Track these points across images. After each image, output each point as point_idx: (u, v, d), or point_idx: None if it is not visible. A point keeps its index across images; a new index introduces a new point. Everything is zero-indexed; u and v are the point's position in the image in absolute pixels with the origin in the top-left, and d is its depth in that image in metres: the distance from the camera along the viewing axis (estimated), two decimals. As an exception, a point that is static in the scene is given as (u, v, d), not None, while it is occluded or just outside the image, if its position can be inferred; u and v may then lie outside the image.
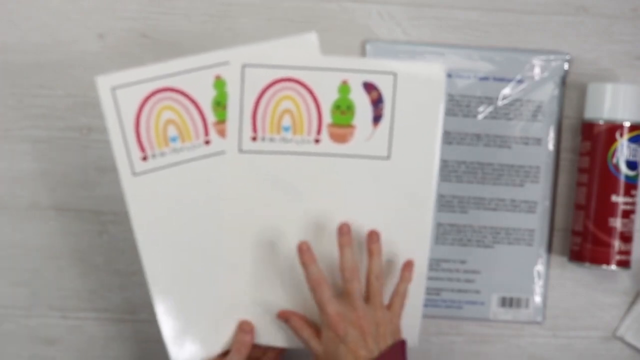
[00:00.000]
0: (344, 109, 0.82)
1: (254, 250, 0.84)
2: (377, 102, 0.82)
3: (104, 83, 0.79)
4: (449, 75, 0.95)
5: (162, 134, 0.80)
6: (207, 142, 0.81)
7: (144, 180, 0.81)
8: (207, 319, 0.85)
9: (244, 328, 0.84)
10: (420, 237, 0.85)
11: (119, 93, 0.79)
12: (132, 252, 0.96)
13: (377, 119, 0.82)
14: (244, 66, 0.81)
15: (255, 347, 0.86)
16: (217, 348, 0.85)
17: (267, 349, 0.88)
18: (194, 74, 0.80)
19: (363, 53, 0.95)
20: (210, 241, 0.83)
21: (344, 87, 0.81)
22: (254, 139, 0.82)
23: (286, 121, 0.82)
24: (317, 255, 0.81)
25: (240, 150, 0.82)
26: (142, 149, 0.80)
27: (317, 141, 0.82)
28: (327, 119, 0.82)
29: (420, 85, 0.82)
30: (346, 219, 0.82)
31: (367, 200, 0.84)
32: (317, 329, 0.83)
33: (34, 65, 0.94)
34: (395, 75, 0.81)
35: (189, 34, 0.94)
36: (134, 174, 0.81)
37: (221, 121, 0.81)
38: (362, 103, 0.82)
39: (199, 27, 0.94)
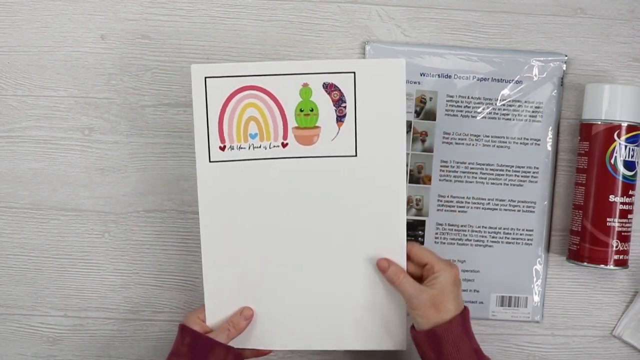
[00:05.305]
0: (307, 111, 0.83)
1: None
2: (338, 102, 0.83)
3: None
4: (449, 76, 0.96)
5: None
6: (284, 145, 0.84)
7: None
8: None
9: (245, 314, 0.86)
10: (396, 229, 0.85)
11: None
12: (133, 252, 0.97)
13: (340, 118, 0.84)
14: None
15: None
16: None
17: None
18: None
19: (363, 54, 0.95)
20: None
21: (305, 90, 0.83)
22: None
23: (252, 128, 0.84)
24: (297, 249, 0.86)
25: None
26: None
27: (284, 145, 0.84)
28: (292, 122, 0.84)
29: (380, 81, 0.83)
30: (324, 218, 0.85)
31: (341, 198, 0.85)
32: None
33: (37, 66, 0.94)
34: (354, 73, 0.82)
35: (190, 36, 0.94)
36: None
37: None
38: (324, 104, 0.83)
39: (200, 29, 0.94)
